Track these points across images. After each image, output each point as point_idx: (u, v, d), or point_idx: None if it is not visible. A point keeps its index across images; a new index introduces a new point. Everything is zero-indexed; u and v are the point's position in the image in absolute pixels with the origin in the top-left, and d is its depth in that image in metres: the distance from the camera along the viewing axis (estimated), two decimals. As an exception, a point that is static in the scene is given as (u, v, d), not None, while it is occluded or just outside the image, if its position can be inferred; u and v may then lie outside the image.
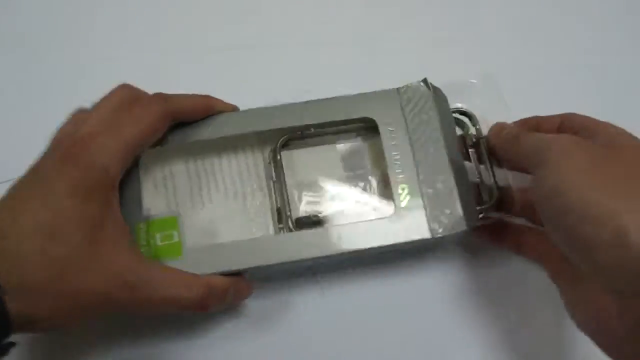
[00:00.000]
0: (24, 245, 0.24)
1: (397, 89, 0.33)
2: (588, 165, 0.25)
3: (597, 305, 0.25)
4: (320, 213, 0.33)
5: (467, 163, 0.33)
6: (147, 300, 0.27)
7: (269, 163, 0.33)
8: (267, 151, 0.34)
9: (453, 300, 0.34)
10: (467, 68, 0.37)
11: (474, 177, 0.33)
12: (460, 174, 0.32)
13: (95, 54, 0.42)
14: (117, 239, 0.27)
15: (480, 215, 0.32)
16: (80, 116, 0.29)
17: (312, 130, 0.33)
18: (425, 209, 0.31)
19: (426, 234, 0.30)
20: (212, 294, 0.28)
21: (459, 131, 0.34)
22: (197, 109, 0.32)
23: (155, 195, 0.33)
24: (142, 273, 0.27)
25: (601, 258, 0.23)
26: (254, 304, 0.34)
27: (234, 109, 0.33)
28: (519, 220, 0.33)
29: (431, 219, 0.30)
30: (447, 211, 0.31)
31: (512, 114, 0.33)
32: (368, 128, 0.34)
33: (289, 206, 0.32)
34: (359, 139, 0.35)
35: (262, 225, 0.33)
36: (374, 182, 0.34)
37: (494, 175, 0.33)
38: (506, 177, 0.33)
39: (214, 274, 0.29)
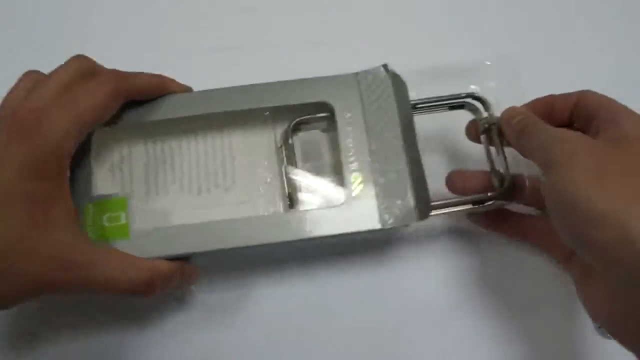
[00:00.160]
0: None
1: (356, 73, 0.33)
2: (593, 165, 0.25)
3: (608, 295, 0.25)
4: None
5: (479, 147, 0.33)
6: (89, 281, 0.26)
7: (280, 147, 0.33)
8: (226, 133, 0.33)
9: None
10: (482, 50, 0.37)
11: (484, 164, 0.33)
12: (415, 164, 0.31)
13: (95, 54, 0.41)
14: (62, 220, 0.26)
15: (489, 203, 0.31)
16: (31, 80, 0.28)
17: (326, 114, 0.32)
18: (377, 199, 0.30)
19: (376, 225, 0.30)
20: (156, 278, 0.28)
21: (471, 116, 0.34)
22: (151, 87, 0.32)
23: (108, 175, 0.32)
24: (85, 254, 0.26)
25: (607, 257, 0.23)
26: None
27: (188, 89, 0.33)
28: (523, 209, 0.33)
29: (382, 209, 0.30)
30: (399, 202, 0.30)
31: (527, 97, 0.32)
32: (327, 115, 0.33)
33: (301, 191, 0.31)
34: (319, 124, 0.34)
35: (216, 210, 0.32)
36: (328, 170, 0.33)
37: (505, 162, 0.32)
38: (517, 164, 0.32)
39: (161, 257, 0.29)
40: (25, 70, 0.33)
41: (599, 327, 0.33)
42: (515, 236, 0.34)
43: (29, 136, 0.26)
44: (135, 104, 0.32)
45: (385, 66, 0.33)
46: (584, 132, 0.28)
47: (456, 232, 0.36)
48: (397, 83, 0.33)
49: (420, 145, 0.32)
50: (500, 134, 0.32)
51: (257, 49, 0.41)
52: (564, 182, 0.25)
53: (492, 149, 0.33)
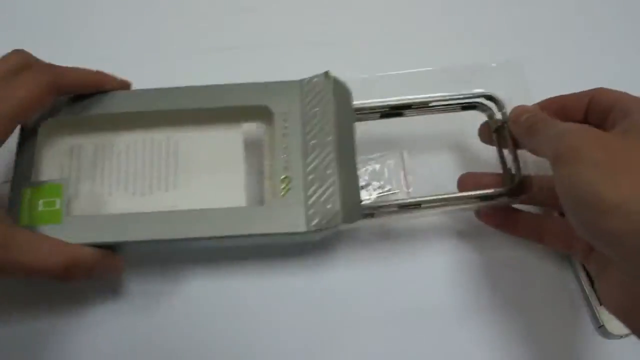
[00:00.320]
0: None
1: (300, 80, 0.33)
2: (602, 156, 0.24)
3: (625, 286, 0.25)
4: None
5: (490, 147, 0.33)
6: (5, 263, 0.27)
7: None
8: (171, 131, 0.34)
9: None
10: (482, 51, 0.37)
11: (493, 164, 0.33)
12: (347, 170, 0.32)
13: (96, 54, 0.42)
14: None
15: (493, 202, 0.32)
16: None
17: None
18: (305, 203, 0.31)
19: (302, 227, 0.30)
20: (76, 265, 0.28)
21: (482, 117, 0.34)
22: (87, 83, 0.33)
23: (51, 164, 0.33)
24: (3, 236, 0.27)
25: (623, 247, 0.23)
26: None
27: (127, 86, 0.34)
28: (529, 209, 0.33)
29: (309, 213, 0.30)
30: (329, 206, 0.30)
31: (534, 99, 0.32)
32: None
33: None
34: (262, 127, 0.34)
35: (151, 204, 0.32)
36: (266, 171, 0.33)
37: (516, 161, 0.32)
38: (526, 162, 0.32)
39: (89, 244, 0.29)
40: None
41: (600, 327, 0.33)
42: (531, 237, 0.34)
43: None
44: (87, 97, 0.33)
45: (327, 73, 0.33)
46: (600, 129, 0.28)
47: (463, 232, 0.36)
48: (340, 90, 0.33)
49: (431, 145, 0.32)
50: (511, 133, 0.32)
51: (257, 49, 0.41)
52: (573, 175, 0.25)
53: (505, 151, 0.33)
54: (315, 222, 0.30)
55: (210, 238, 0.30)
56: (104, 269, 0.30)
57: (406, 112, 0.34)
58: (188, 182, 0.33)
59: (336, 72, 0.34)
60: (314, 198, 0.31)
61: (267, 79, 0.34)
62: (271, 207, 0.31)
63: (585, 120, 0.30)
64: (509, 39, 0.42)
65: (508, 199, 0.32)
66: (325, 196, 0.31)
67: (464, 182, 0.34)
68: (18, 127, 0.32)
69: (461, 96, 0.34)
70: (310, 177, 0.31)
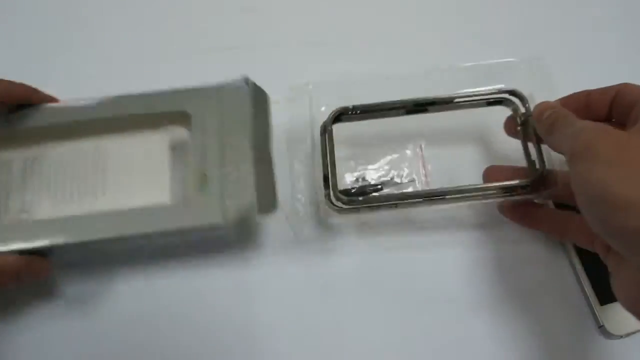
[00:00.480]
0: None
1: (220, 85, 0.34)
2: (616, 156, 0.24)
3: (639, 281, 0.25)
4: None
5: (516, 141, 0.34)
6: None
7: (321, 134, 0.34)
8: (98, 140, 0.35)
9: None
10: (514, 48, 0.37)
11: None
12: (264, 169, 0.33)
13: (96, 55, 0.42)
14: None
15: (518, 197, 0.32)
16: None
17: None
18: (222, 196, 0.32)
19: (218, 219, 0.31)
20: (1, 272, 0.30)
21: (506, 112, 0.35)
22: (14, 95, 0.33)
23: None
24: None
25: (633, 245, 0.23)
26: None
27: (54, 100, 0.35)
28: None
29: (225, 205, 0.32)
30: (244, 199, 0.32)
31: (558, 94, 0.32)
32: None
33: (335, 178, 0.33)
34: (185, 130, 0.35)
35: (81, 208, 0.33)
36: (187, 170, 0.34)
37: (541, 155, 0.32)
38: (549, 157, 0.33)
39: (16, 251, 0.30)
40: (25, 71, 0.33)
41: (600, 327, 0.33)
42: (553, 232, 0.34)
43: None
44: (14, 112, 0.34)
45: (246, 79, 0.34)
46: (622, 125, 0.28)
47: (481, 224, 0.36)
48: (258, 94, 0.35)
49: (449, 139, 0.34)
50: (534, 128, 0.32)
51: (257, 49, 0.41)
52: (587, 173, 0.25)
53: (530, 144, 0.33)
54: (230, 213, 0.31)
55: (132, 236, 0.31)
56: (31, 274, 0.31)
57: (430, 108, 0.35)
58: (116, 187, 0.34)
59: (341, 71, 0.35)
60: (229, 192, 0.32)
61: (267, 79, 0.34)
62: (190, 203, 0.32)
63: (609, 116, 0.30)
64: (524, 38, 0.42)
65: (532, 192, 0.32)
66: (240, 190, 0.32)
67: (490, 174, 0.34)
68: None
69: (487, 92, 0.35)
70: (227, 173, 0.32)
